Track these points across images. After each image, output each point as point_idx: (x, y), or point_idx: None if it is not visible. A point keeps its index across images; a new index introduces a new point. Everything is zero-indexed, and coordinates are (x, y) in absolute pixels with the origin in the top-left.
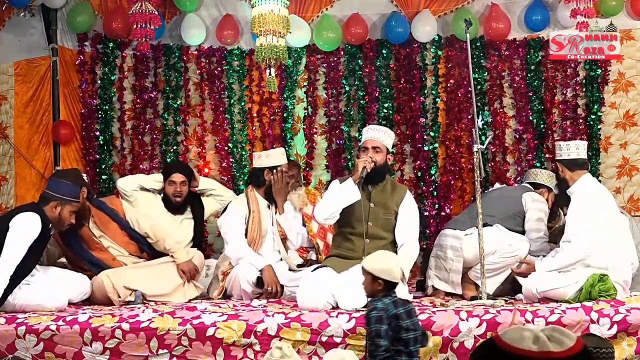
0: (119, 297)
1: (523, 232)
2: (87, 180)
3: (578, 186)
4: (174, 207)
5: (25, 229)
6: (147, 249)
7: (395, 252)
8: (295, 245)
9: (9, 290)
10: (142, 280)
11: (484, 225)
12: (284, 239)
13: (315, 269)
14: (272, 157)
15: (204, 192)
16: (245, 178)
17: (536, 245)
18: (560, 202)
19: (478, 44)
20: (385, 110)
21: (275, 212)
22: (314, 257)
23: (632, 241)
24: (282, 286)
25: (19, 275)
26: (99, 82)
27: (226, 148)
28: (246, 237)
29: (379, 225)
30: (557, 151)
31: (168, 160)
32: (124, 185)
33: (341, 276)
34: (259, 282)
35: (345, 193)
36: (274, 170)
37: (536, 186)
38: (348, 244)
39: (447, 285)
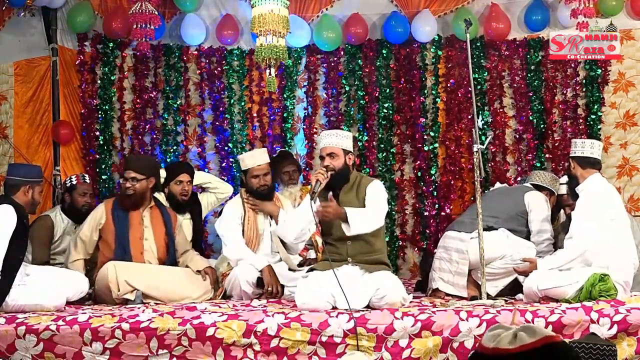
0: (119, 290)
1: (527, 232)
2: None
3: (587, 185)
4: (178, 206)
5: (1, 222)
6: (168, 264)
7: (381, 246)
8: (295, 252)
9: (7, 287)
10: (145, 279)
11: (490, 228)
12: (284, 242)
13: (307, 273)
14: (241, 162)
15: (202, 187)
16: None
17: (542, 246)
18: (572, 198)
19: (478, 44)
20: (385, 110)
21: (271, 220)
22: (313, 256)
23: (633, 241)
24: (282, 286)
25: (7, 270)
26: (99, 82)
27: (226, 148)
28: (243, 237)
29: None
30: (572, 148)
31: (168, 160)
32: None
33: (331, 274)
34: (259, 282)
35: (302, 212)
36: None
37: (539, 188)
38: (332, 248)
39: (451, 287)
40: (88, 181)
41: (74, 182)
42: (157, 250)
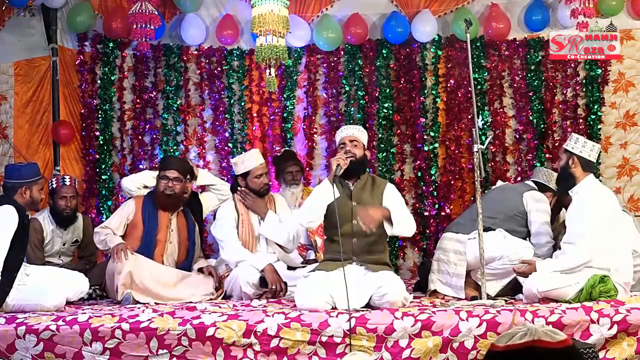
0: (121, 280)
1: (526, 233)
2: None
3: (582, 187)
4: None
5: (3, 222)
6: (183, 267)
7: (384, 246)
8: (290, 251)
9: (7, 287)
10: (149, 276)
11: (488, 229)
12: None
13: (308, 272)
14: (239, 165)
15: (204, 188)
16: None
17: (544, 250)
18: (563, 195)
19: (478, 44)
20: (385, 110)
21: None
22: (313, 256)
23: (635, 241)
24: (285, 283)
25: (8, 270)
26: (99, 82)
27: (226, 148)
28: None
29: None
30: (573, 144)
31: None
32: (130, 185)
33: (334, 275)
34: (262, 282)
35: (321, 194)
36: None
37: (542, 187)
38: (337, 246)
39: (449, 289)
40: (68, 183)
41: (54, 185)
42: (178, 254)
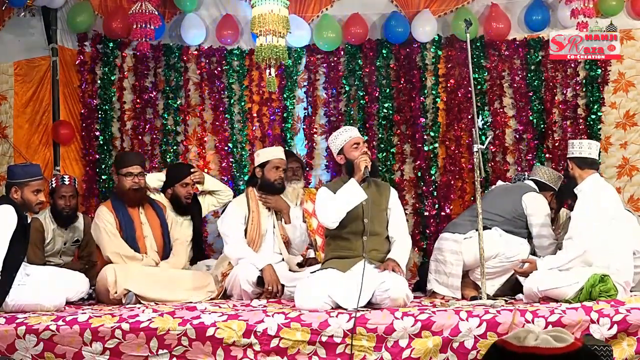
0: (116, 292)
1: (526, 234)
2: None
3: (586, 185)
4: (183, 208)
5: (2, 222)
6: (166, 254)
7: (390, 247)
8: (299, 252)
9: (7, 286)
10: (144, 283)
11: (484, 228)
12: (287, 243)
13: (314, 272)
14: (261, 156)
15: (205, 190)
16: (246, 178)
17: (547, 252)
18: (567, 198)
19: (478, 44)
20: (385, 110)
21: (280, 219)
22: (312, 255)
23: (635, 240)
24: (282, 286)
25: (8, 269)
26: (99, 82)
27: (226, 148)
28: (245, 237)
29: (374, 222)
30: (569, 149)
31: (168, 160)
32: None
33: (344, 275)
34: (260, 281)
35: (352, 194)
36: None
37: (541, 185)
38: (346, 243)
39: (446, 289)
40: (67, 182)
41: (54, 185)
42: (157, 246)
